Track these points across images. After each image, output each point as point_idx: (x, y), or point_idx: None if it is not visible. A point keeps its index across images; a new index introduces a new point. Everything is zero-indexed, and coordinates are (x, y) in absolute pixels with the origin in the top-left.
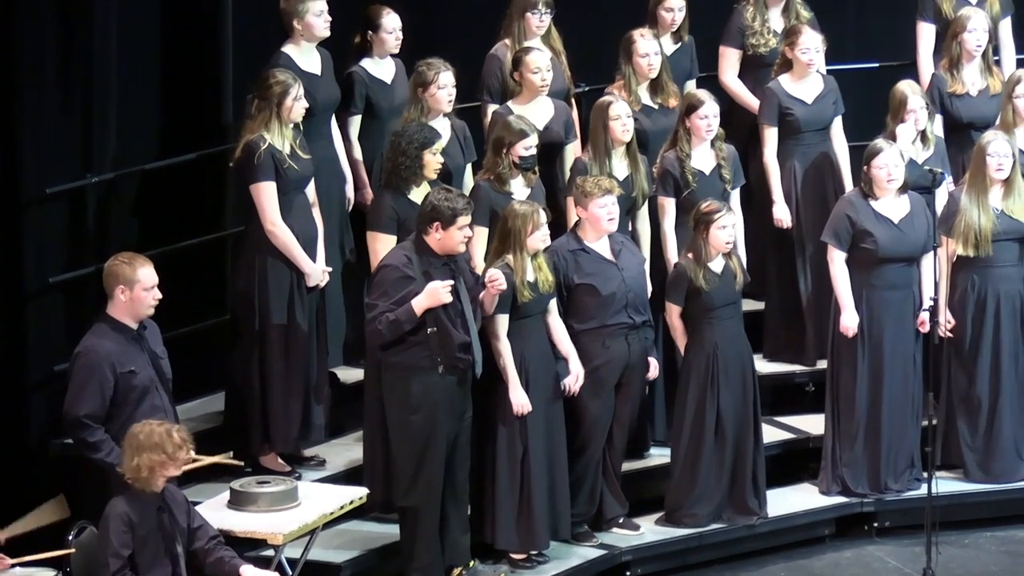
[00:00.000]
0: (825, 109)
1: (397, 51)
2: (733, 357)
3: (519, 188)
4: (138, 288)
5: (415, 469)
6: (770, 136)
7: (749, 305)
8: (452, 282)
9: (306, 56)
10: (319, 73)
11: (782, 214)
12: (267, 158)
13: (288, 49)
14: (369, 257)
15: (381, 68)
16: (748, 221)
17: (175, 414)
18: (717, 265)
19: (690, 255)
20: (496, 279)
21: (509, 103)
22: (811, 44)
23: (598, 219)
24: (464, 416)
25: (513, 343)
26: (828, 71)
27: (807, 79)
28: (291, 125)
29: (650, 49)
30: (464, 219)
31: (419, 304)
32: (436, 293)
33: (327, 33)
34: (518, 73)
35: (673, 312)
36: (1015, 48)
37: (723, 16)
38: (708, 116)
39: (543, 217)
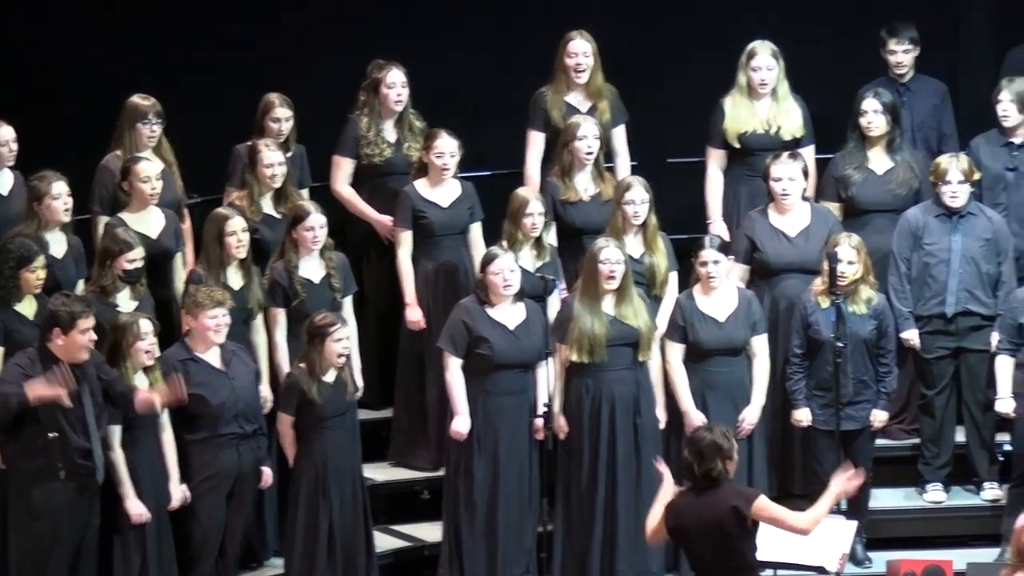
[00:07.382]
0: (460, 214)
1: (12, 163)
2: (343, 467)
3: (125, 300)
4: None
5: None
6: (404, 239)
7: (365, 414)
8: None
9: None
10: None
11: (415, 316)
12: None
13: None
14: None
15: None
16: (366, 328)
17: None
18: (330, 376)
19: (303, 365)
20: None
21: (121, 214)
22: (446, 148)
23: (207, 329)
24: (89, 523)
25: (126, 452)
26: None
27: (443, 184)
28: None
29: (275, 159)
30: (85, 322)
31: (32, 387)
32: (55, 384)
33: None
34: (127, 183)
35: (285, 421)
36: (629, 155)
37: (336, 126)
38: (314, 227)
39: (146, 327)
